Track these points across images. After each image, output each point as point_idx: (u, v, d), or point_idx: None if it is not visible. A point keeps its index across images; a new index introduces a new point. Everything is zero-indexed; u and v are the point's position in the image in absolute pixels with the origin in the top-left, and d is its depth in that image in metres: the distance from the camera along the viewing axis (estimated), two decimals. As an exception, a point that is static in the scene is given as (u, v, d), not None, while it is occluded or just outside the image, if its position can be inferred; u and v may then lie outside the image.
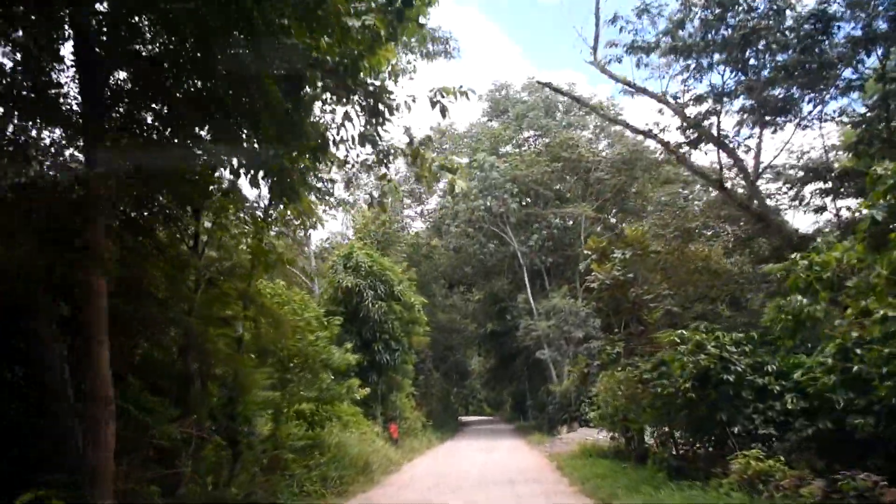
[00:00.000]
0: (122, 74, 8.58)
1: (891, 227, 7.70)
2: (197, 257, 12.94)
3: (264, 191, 14.36)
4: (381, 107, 7.64)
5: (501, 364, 51.06)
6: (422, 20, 8.15)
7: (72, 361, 9.07)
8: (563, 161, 39.80)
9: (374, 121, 7.90)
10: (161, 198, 12.06)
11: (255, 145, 8.36)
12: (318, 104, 8.19)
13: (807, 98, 15.84)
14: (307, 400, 16.89)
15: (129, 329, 10.85)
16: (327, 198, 33.30)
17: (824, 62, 14.45)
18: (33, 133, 9.12)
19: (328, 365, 17.18)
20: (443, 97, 7.97)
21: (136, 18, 7.88)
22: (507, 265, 43.79)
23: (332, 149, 8.61)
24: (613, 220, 42.41)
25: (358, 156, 9.11)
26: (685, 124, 17.07)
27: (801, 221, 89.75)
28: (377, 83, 7.68)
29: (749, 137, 16.84)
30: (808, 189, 19.09)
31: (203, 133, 8.64)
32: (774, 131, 16.36)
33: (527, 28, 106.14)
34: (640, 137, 43.91)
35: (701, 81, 17.03)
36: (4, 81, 8.33)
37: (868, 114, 14.20)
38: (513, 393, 57.28)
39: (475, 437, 39.14)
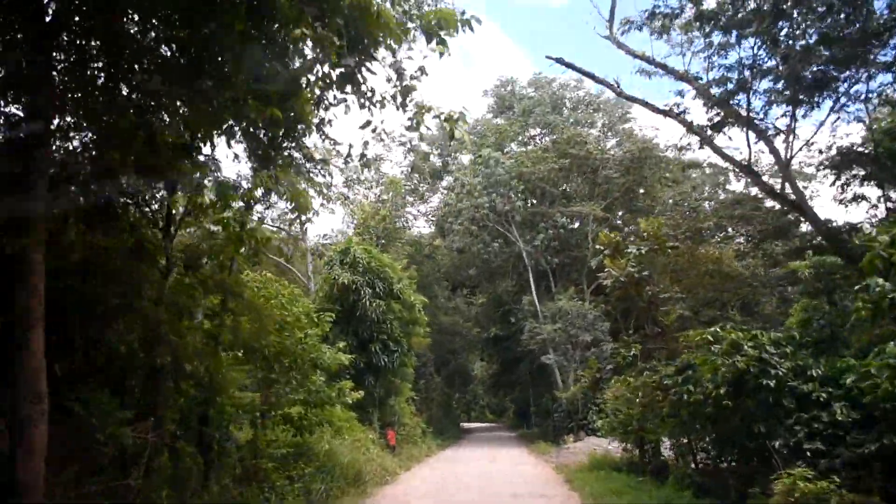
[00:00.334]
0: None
1: None
2: (168, 239, 11.58)
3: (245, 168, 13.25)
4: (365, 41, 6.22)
5: (505, 369, 49.78)
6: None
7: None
8: (571, 158, 38.38)
9: (356, 58, 6.47)
10: (126, 170, 10.81)
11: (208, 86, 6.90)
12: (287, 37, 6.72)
13: (845, 75, 14.21)
14: (294, 403, 15.48)
15: (87, 317, 9.48)
16: (325, 190, 32.31)
17: (867, 32, 12.90)
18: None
19: (318, 365, 15.78)
20: (441, 30, 6.54)
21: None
22: (511, 266, 42.38)
23: (307, 92, 7.16)
24: (619, 223, 40.96)
25: (335, 98, 7.64)
26: (709, 104, 15.59)
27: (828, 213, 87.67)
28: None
29: (782, 117, 15.34)
30: (845, 176, 17.54)
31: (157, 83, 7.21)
32: (811, 108, 14.83)
33: (533, 34, 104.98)
34: (650, 135, 43.20)
35: (726, 58, 15.60)
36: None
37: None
38: (516, 399, 56.06)
39: (477, 445, 37.63)
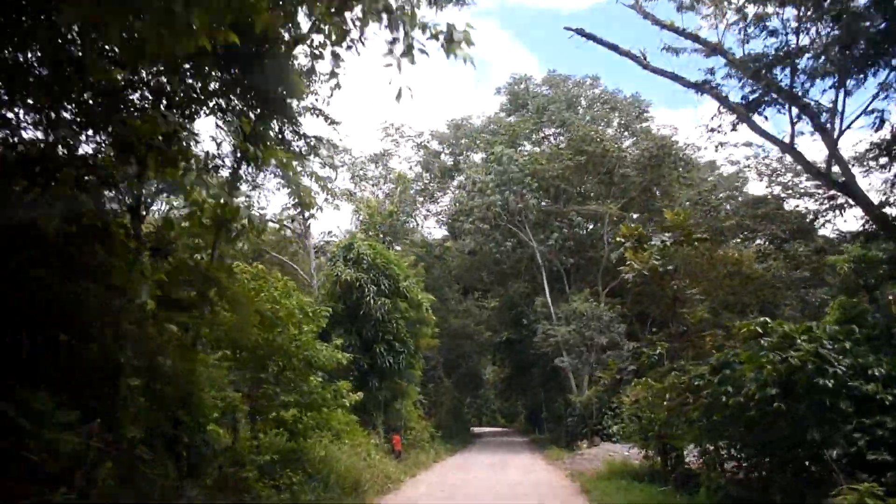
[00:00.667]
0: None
1: None
2: (138, 220, 10.32)
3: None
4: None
5: (517, 373, 48.75)
6: None
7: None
8: (586, 155, 36.94)
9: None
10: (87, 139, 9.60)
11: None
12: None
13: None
14: (286, 405, 14.20)
15: (36, 305, 8.21)
16: (329, 185, 31.09)
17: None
18: None
19: (313, 364, 14.49)
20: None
21: None
22: (524, 267, 41.03)
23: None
24: (633, 225, 39.44)
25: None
26: (746, 77, 14.11)
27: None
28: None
29: (829, 89, 13.74)
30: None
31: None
32: (864, 79, 13.24)
33: (546, 41, 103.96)
34: (668, 132, 41.69)
35: (763, 29, 14.06)
36: None
37: None
38: (527, 404, 55.09)
39: (487, 451, 36.24)
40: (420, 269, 30.70)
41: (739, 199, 39.14)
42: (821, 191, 33.83)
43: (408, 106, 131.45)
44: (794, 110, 14.07)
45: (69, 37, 7.39)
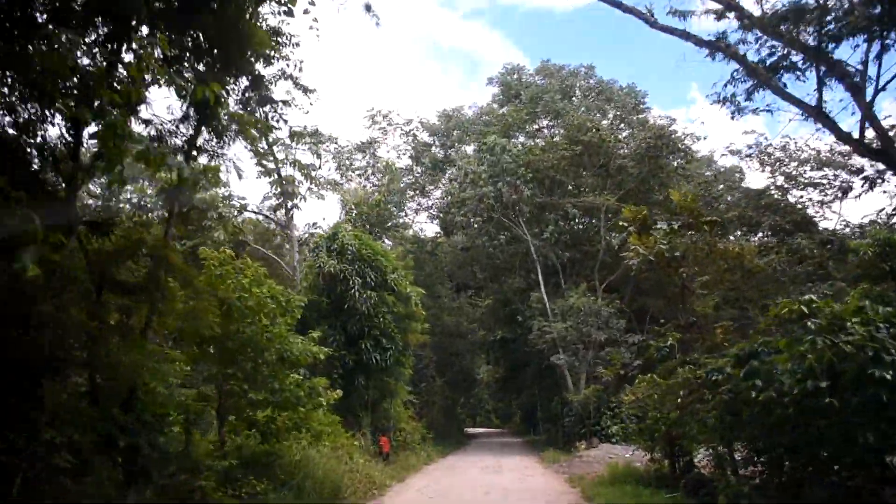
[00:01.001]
0: None
1: None
2: (73, 189, 8.91)
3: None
4: None
5: (511, 373, 47.45)
6: None
7: None
8: (582, 145, 35.61)
9: None
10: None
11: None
12: None
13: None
14: (257, 404, 12.80)
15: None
16: (313, 174, 29.65)
17: None
18: None
19: (285, 358, 13.07)
20: None
21: None
22: (518, 262, 39.62)
23: None
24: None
25: None
26: (767, 36, 12.78)
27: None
28: None
29: (864, 42, 12.32)
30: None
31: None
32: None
33: (539, 42, 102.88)
34: (666, 122, 40.32)
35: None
36: None
37: None
38: (522, 404, 53.79)
39: (481, 452, 34.85)
40: (409, 260, 29.24)
41: (738, 193, 37.99)
42: (827, 180, 32.69)
43: (396, 102, 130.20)
44: (822, 70, 12.73)
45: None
